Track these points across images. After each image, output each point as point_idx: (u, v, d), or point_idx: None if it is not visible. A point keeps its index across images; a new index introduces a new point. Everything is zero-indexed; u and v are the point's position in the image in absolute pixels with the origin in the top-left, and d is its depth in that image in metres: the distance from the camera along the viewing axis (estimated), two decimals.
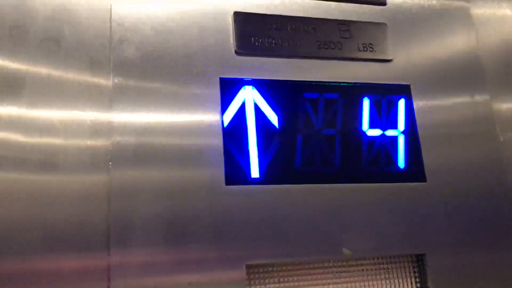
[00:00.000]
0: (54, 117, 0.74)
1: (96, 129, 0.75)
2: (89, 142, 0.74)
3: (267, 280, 0.76)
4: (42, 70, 0.75)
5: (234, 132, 0.81)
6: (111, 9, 0.81)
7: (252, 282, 0.75)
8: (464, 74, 0.97)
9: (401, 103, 0.91)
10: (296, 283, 0.78)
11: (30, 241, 0.68)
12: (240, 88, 0.83)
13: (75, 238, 0.69)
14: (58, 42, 0.78)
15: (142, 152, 0.75)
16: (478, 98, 0.96)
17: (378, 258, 0.83)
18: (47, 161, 0.71)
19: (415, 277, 0.83)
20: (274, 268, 0.77)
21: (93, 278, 0.69)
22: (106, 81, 0.77)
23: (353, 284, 0.80)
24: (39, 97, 0.74)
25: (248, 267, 0.75)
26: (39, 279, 0.67)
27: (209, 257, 0.73)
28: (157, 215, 0.73)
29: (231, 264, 0.74)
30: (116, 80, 0.77)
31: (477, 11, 1.03)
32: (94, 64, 0.78)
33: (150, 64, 0.80)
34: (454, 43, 0.99)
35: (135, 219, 0.72)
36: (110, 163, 0.73)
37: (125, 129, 0.75)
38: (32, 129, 0.72)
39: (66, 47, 0.78)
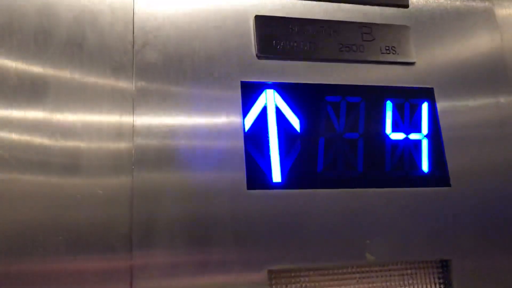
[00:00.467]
0: (78, 121, 0.74)
1: (119, 133, 0.75)
2: (112, 145, 0.74)
3: (289, 286, 0.76)
4: (66, 74, 0.76)
5: (256, 136, 0.81)
6: (133, 13, 0.81)
7: (274, 287, 0.75)
8: (488, 76, 0.95)
9: (425, 106, 0.89)
10: None
11: (53, 243, 0.68)
12: (261, 92, 0.83)
13: (98, 240, 0.69)
14: (81, 46, 0.78)
15: (164, 155, 0.75)
16: (503, 100, 0.94)
17: (402, 264, 0.81)
18: (71, 164, 0.72)
19: (440, 283, 0.82)
20: (296, 273, 0.76)
21: (116, 280, 0.69)
22: (128, 85, 0.77)
23: None
24: (63, 101, 0.74)
25: (270, 272, 0.74)
26: (62, 281, 0.67)
27: (231, 261, 0.73)
28: (179, 218, 0.73)
29: (252, 268, 0.73)
30: (138, 84, 0.78)
31: (502, 11, 1.02)
32: (117, 68, 0.78)
33: (172, 67, 0.80)
34: (478, 45, 0.97)
35: (157, 222, 0.72)
36: (133, 166, 0.73)
37: (148, 132, 0.76)
38: (56, 132, 0.73)
39: (89, 51, 0.78)
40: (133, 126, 0.75)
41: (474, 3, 1.00)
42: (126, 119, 0.76)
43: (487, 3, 1.00)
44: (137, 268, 0.70)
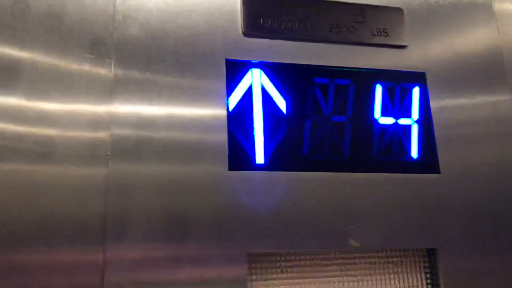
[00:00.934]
0: (53, 107, 0.71)
1: (96, 120, 0.71)
2: (88, 134, 0.71)
3: (269, 270, 0.73)
4: (43, 53, 0.72)
5: (240, 116, 0.78)
6: None
7: (253, 271, 0.72)
8: (483, 66, 0.92)
9: (416, 91, 0.87)
10: (299, 275, 0.74)
11: (24, 232, 0.65)
12: (247, 71, 0.80)
13: (70, 230, 0.66)
14: (61, 18, 0.75)
15: (142, 141, 0.72)
16: (498, 91, 0.91)
17: (387, 251, 0.79)
18: (45, 152, 0.68)
19: (426, 272, 0.79)
20: (277, 258, 0.74)
21: (87, 272, 0.66)
22: (107, 65, 0.74)
23: (360, 277, 0.77)
24: (38, 85, 0.71)
25: (250, 255, 0.72)
26: (32, 272, 0.64)
27: (210, 245, 0.70)
28: (156, 208, 0.70)
29: (232, 252, 0.71)
30: (118, 61, 0.74)
31: (500, 5, 0.99)
32: (97, 44, 0.75)
33: (154, 43, 0.77)
34: (473, 35, 0.94)
35: (133, 213, 0.69)
36: (109, 155, 0.70)
37: (126, 118, 0.72)
38: (30, 118, 0.69)
39: (68, 23, 0.75)
40: (110, 114, 0.72)
41: None
42: (103, 106, 0.72)
43: None
44: (109, 261, 0.66)
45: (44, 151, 0.69)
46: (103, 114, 0.72)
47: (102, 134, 0.71)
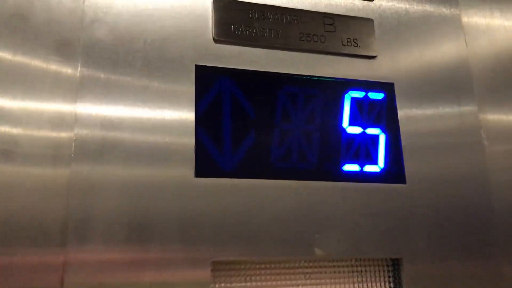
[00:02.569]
0: (15, 104, 0.69)
1: (60, 120, 0.70)
2: (52, 133, 0.70)
3: (233, 279, 0.73)
4: (8, 52, 0.71)
5: (208, 123, 0.77)
6: None
7: (217, 280, 0.72)
8: (451, 78, 0.94)
9: (384, 102, 0.88)
10: (264, 283, 0.74)
11: None
12: (216, 77, 0.80)
13: (30, 232, 0.65)
14: (27, 19, 0.74)
15: (107, 143, 0.71)
16: (465, 104, 0.93)
17: (352, 260, 0.79)
18: (5, 150, 0.67)
19: (390, 282, 0.80)
20: (241, 266, 0.73)
21: (46, 274, 0.64)
22: (74, 65, 0.73)
23: (324, 286, 0.77)
24: (2, 81, 0.69)
25: (214, 263, 0.71)
26: None
27: (173, 252, 0.69)
28: (119, 211, 0.69)
29: (195, 260, 0.70)
30: (84, 65, 0.73)
31: (468, 19, 1.00)
32: (63, 45, 0.74)
33: (122, 47, 0.76)
34: (442, 48, 0.96)
35: (95, 215, 0.67)
36: (72, 155, 0.69)
37: (90, 120, 0.71)
38: None
39: (35, 25, 0.74)
40: (75, 114, 0.71)
41: (441, 6, 0.98)
42: (68, 106, 0.71)
43: (454, 8, 0.99)
44: (70, 263, 0.65)
45: (5, 150, 0.67)
46: (68, 115, 0.71)
47: (65, 135, 0.70)
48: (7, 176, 0.66)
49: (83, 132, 0.71)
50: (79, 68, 0.73)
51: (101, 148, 0.71)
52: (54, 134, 0.70)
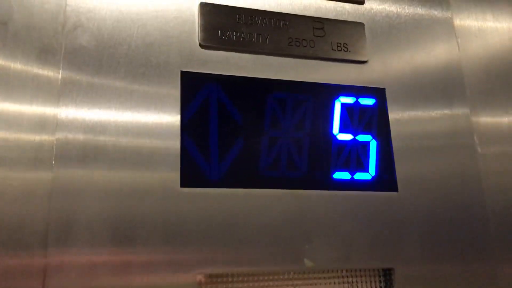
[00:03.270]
0: None
1: (41, 124, 0.69)
2: (33, 137, 0.68)
3: None
4: None
5: (194, 130, 0.75)
6: None
7: None
8: (443, 82, 0.92)
9: (375, 107, 0.86)
10: None
11: None
12: (203, 83, 0.78)
13: (12, 235, 0.64)
14: (6, 25, 0.72)
15: (89, 148, 0.69)
16: (457, 108, 0.91)
17: (342, 271, 0.77)
18: None
19: None
20: (228, 278, 0.71)
21: (28, 278, 0.63)
22: (55, 71, 0.71)
23: None
24: None
25: (200, 275, 0.69)
26: None
27: (157, 263, 0.67)
28: (102, 216, 0.67)
29: (181, 271, 0.68)
30: (66, 70, 0.71)
31: (460, 20, 0.99)
32: (44, 52, 0.72)
33: (105, 53, 0.74)
34: (434, 51, 0.94)
35: (77, 219, 0.66)
36: (54, 160, 0.67)
37: (72, 124, 0.69)
38: None
39: (14, 31, 0.71)
40: (56, 117, 0.69)
41: (432, 9, 0.97)
42: (49, 109, 0.70)
43: (445, 11, 0.98)
44: (51, 267, 0.64)
45: None
46: (49, 118, 0.69)
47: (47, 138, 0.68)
48: None
49: (65, 135, 0.69)
50: (60, 73, 0.71)
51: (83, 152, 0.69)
52: (35, 137, 0.68)
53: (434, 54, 0.94)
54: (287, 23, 0.85)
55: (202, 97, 0.77)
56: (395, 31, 0.93)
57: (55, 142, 0.68)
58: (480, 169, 0.88)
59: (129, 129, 0.72)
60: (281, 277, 0.74)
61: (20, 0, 0.73)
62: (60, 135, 0.69)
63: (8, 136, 0.67)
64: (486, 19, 1.02)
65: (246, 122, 0.78)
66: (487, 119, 0.94)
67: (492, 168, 0.90)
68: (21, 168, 0.66)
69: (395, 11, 0.94)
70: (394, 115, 0.87)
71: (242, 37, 0.81)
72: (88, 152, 0.69)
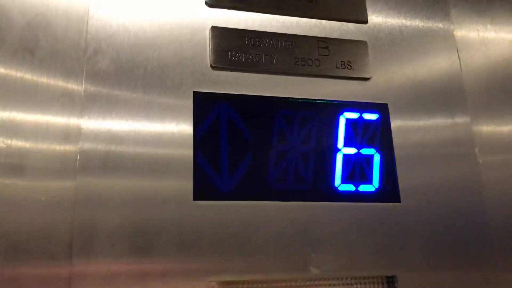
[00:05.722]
0: (24, 121, 0.74)
1: (66, 135, 0.74)
2: (58, 148, 0.74)
3: None
4: (15, 76, 0.75)
5: (206, 146, 0.80)
6: (87, 20, 0.81)
7: None
8: (445, 95, 0.96)
9: (378, 122, 0.90)
10: None
11: None
12: (214, 102, 0.83)
13: (38, 244, 0.69)
14: (33, 52, 0.78)
15: (110, 161, 0.75)
16: (458, 119, 0.95)
17: (347, 278, 0.81)
18: (15, 165, 0.71)
19: None
20: (239, 285, 0.76)
21: (54, 285, 0.68)
22: (78, 90, 0.77)
23: None
24: (11, 100, 0.74)
25: (212, 283, 0.74)
26: None
27: (172, 271, 0.72)
28: (122, 225, 0.72)
29: (194, 279, 0.73)
30: (88, 90, 0.77)
31: (461, 33, 1.03)
32: (67, 76, 0.78)
33: (124, 75, 0.80)
34: (435, 64, 0.98)
35: (99, 229, 0.71)
36: (77, 170, 0.73)
37: (94, 136, 0.75)
38: (2, 132, 0.72)
39: (40, 57, 0.78)
40: (80, 129, 0.75)
41: (433, 23, 1.01)
42: (73, 121, 0.75)
43: (446, 24, 1.02)
44: (76, 277, 0.69)
45: (15, 164, 0.71)
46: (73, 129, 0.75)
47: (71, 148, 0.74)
48: (17, 190, 0.70)
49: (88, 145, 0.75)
50: (83, 93, 0.77)
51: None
52: (60, 147, 0.74)
53: (435, 67, 0.98)
54: (293, 43, 0.90)
55: (213, 115, 0.83)
56: (397, 47, 0.97)
57: (78, 152, 0.74)
58: (481, 178, 0.92)
59: (146, 142, 0.77)
60: (289, 284, 0.78)
61: (45, 29, 0.79)
62: (83, 146, 0.74)
63: (35, 147, 0.73)
64: (487, 30, 1.05)
65: (255, 138, 0.83)
66: (488, 129, 0.97)
67: (493, 176, 0.93)
68: (47, 178, 0.72)
69: (397, 28, 0.98)
70: (397, 128, 0.91)
71: (251, 58, 0.86)
72: (108, 162, 0.75)
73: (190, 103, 0.81)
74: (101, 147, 0.75)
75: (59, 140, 0.74)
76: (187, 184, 0.77)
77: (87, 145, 0.75)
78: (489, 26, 1.06)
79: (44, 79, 0.77)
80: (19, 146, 0.72)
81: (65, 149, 0.74)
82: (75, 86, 0.77)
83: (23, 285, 0.67)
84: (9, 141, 0.72)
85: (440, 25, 1.01)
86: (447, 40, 1.00)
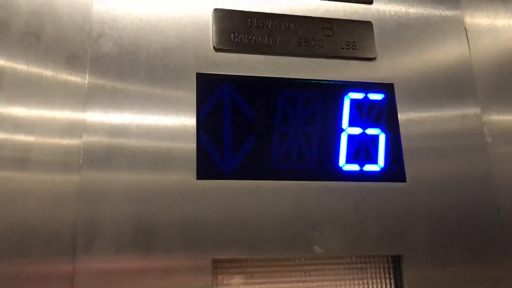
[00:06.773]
0: (29, 114, 0.74)
1: (69, 128, 0.75)
2: (63, 141, 0.74)
3: (234, 276, 0.75)
4: (21, 65, 0.77)
5: (209, 127, 0.81)
6: (92, 4, 0.82)
7: (218, 277, 0.75)
8: (452, 78, 0.94)
9: (383, 102, 0.89)
10: (264, 280, 0.76)
11: None
12: (217, 84, 0.83)
13: (41, 239, 0.69)
14: (39, 37, 0.79)
15: (114, 150, 0.75)
16: (467, 104, 0.93)
17: (352, 258, 0.81)
18: (19, 157, 0.72)
19: (390, 279, 0.81)
20: (242, 264, 0.76)
21: (56, 284, 0.68)
22: (82, 77, 0.78)
23: (324, 283, 0.79)
24: (16, 93, 0.75)
25: (215, 261, 0.74)
26: (2, 281, 0.67)
27: (176, 253, 0.73)
28: (126, 217, 0.73)
29: (196, 257, 0.73)
30: (92, 75, 0.78)
31: (471, 19, 1.00)
32: (72, 59, 0.79)
33: (127, 59, 0.81)
34: (443, 48, 0.96)
35: (102, 221, 0.72)
36: (81, 163, 0.73)
37: (98, 127, 0.76)
38: (7, 125, 0.73)
39: (46, 41, 0.79)
40: (84, 121, 0.76)
41: (442, 7, 0.99)
42: (77, 114, 0.76)
43: (455, 9, 1.00)
44: (79, 272, 0.69)
45: (20, 158, 0.72)
46: (76, 122, 0.76)
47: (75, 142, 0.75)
48: (22, 183, 0.71)
49: (91, 138, 0.75)
50: (87, 79, 0.78)
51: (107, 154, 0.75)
52: (64, 141, 0.74)
53: (443, 51, 0.96)
54: (297, 24, 0.89)
55: (216, 97, 0.83)
56: (403, 29, 0.96)
57: (82, 145, 0.74)
58: (491, 166, 0.90)
59: (148, 130, 0.78)
60: (292, 263, 0.78)
61: (51, 14, 0.80)
62: (86, 139, 0.75)
63: (39, 141, 0.73)
64: (498, 15, 1.03)
65: (258, 119, 0.83)
66: (499, 117, 0.95)
67: (504, 165, 0.91)
68: (51, 171, 0.72)
69: (403, 9, 0.97)
70: (403, 109, 0.90)
71: (254, 40, 0.86)
72: (112, 150, 0.75)
73: (193, 85, 0.82)
74: (104, 137, 0.76)
75: (63, 133, 0.75)
76: (191, 165, 0.77)
77: (90, 138, 0.75)
78: (500, 11, 1.03)
79: (48, 68, 0.77)
80: (24, 140, 0.73)
81: (69, 142, 0.74)
82: (79, 74, 0.78)
83: (27, 279, 0.67)
84: (14, 134, 0.73)
85: (449, 8, 0.99)
86: (456, 25, 0.99)
